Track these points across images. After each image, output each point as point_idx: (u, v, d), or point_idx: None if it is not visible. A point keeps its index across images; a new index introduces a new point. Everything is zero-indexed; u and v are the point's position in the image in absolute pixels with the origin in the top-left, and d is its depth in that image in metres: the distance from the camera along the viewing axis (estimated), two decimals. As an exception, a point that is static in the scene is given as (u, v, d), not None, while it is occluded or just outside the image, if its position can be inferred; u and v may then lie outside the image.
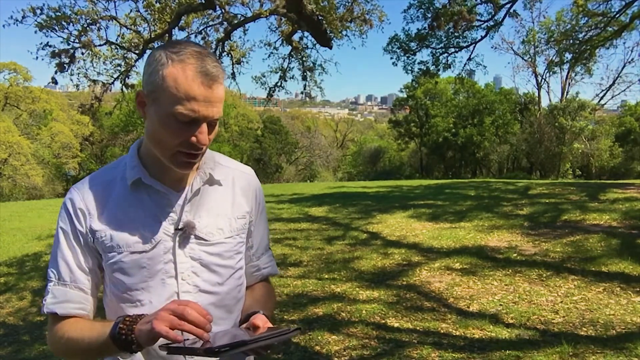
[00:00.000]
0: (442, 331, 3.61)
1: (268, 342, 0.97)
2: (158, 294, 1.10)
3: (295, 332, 1.01)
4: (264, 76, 10.83)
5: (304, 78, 10.62)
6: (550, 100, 31.31)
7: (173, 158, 1.05)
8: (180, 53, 1.01)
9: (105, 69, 9.40)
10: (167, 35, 8.64)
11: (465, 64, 12.47)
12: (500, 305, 4.07)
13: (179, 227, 1.11)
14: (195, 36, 9.48)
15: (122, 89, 9.57)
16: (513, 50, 29.96)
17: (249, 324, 1.07)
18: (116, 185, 1.13)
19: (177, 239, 1.11)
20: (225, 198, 1.19)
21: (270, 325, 1.06)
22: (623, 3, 12.13)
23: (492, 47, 37.99)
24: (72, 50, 8.25)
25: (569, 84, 29.69)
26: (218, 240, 1.15)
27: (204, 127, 1.03)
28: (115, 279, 1.10)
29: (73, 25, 8.02)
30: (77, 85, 9.01)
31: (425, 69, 12.36)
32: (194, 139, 1.02)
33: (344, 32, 9.52)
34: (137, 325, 0.97)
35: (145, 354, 1.10)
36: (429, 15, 11.23)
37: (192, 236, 1.12)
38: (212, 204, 1.16)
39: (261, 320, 1.06)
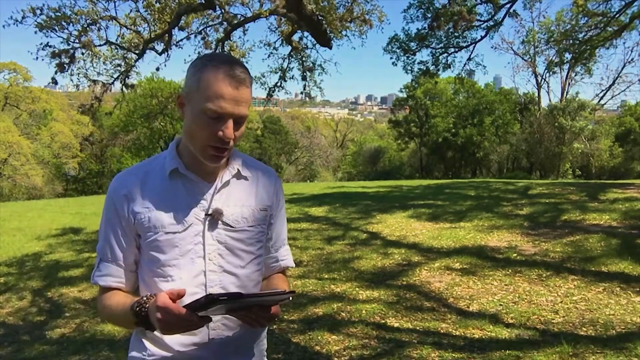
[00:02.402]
0: (442, 331, 3.61)
1: (262, 300, 1.13)
2: (187, 271, 1.24)
3: (288, 294, 1.14)
4: (264, 76, 10.85)
5: (304, 78, 10.63)
6: (550, 100, 31.36)
7: (204, 151, 1.20)
8: (214, 60, 1.19)
9: (105, 69, 9.40)
10: (167, 35, 8.64)
11: (465, 64, 12.47)
12: (500, 305, 4.07)
13: (209, 213, 1.25)
14: (195, 36, 9.49)
15: (122, 89, 9.58)
16: (513, 50, 30.01)
17: None
18: (155, 175, 1.27)
19: (207, 223, 1.25)
20: (250, 191, 1.33)
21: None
22: (623, 3, 12.13)
23: (492, 47, 38.06)
24: (72, 51, 8.25)
25: (569, 84, 29.72)
26: (242, 228, 1.29)
27: (230, 123, 1.17)
28: (151, 256, 1.25)
29: (73, 26, 8.03)
30: (77, 86, 9.02)
31: (425, 69, 12.35)
32: (220, 133, 1.16)
33: (344, 32, 9.53)
34: (149, 304, 1.14)
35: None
36: (429, 15, 11.23)
37: (220, 222, 1.26)
38: (239, 196, 1.30)
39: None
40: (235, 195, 1.30)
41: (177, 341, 1.23)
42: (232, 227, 1.27)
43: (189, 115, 1.20)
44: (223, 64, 1.18)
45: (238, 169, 1.30)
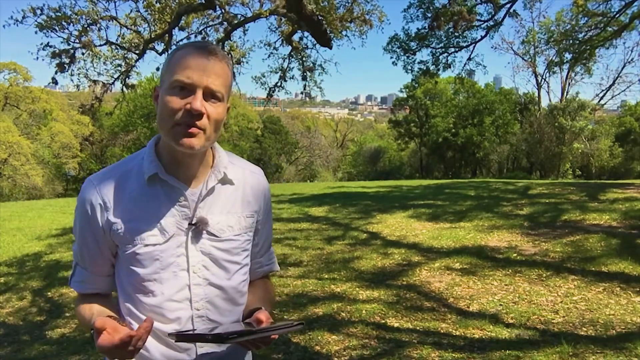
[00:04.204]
0: (442, 331, 3.61)
1: (272, 334, 1.06)
2: (170, 285, 1.14)
3: (297, 326, 1.07)
4: (264, 76, 10.84)
5: (304, 78, 10.63)
6: (550, 100, 31.37)
7: (172, 133, 1.07)
8: (186, 43, 1.16)
9: (105, 69, 9.43)
10: (167, 35, 8.64)
11: (465, 64, 12.48)
12: (500, 305, 4.07)
13: (193, 223, 1.14)
14: (195, 36, 9.48)
15: (122, 89, 9.59)
16: (513, 50, 30.02)
17: (253, 319, 1.14)
18: (133, 178, 1.15)
19: (190, 233, 1.14)
20: (236, 197, 1.22)
21: (272, 321, 1.14)
22: (623, 3, 12.13)
23: (492, 47, 38.07)
24: (72, 51, 8.26)
25: (569, 84, 29.71)
26: (227, 237, 1.19)
27: (199, 94, 1.06)
28: (130, 270, 1.14)
29: (73, 26, 8.03)
30: (78, 86, 9.03)
31: (425, 68, 12.36)
32: (188, 105, 1.05)
33: (344, 32, 9.53)
34: (101, 334, 1.03)
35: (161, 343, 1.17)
36: (429, 15, 11.23)
37: (204, 232, 1.15)
38: (224, 202, 1.19)
39: (264, 315, 1.14)
40: (221, 201, 1.18)
41: (162, 355, 1.16)
42: (217, 236, 1.17)
43: (159, 100, 1.10)
44: (194, 43, 1.14)
45: (224, 173, 1.18)
